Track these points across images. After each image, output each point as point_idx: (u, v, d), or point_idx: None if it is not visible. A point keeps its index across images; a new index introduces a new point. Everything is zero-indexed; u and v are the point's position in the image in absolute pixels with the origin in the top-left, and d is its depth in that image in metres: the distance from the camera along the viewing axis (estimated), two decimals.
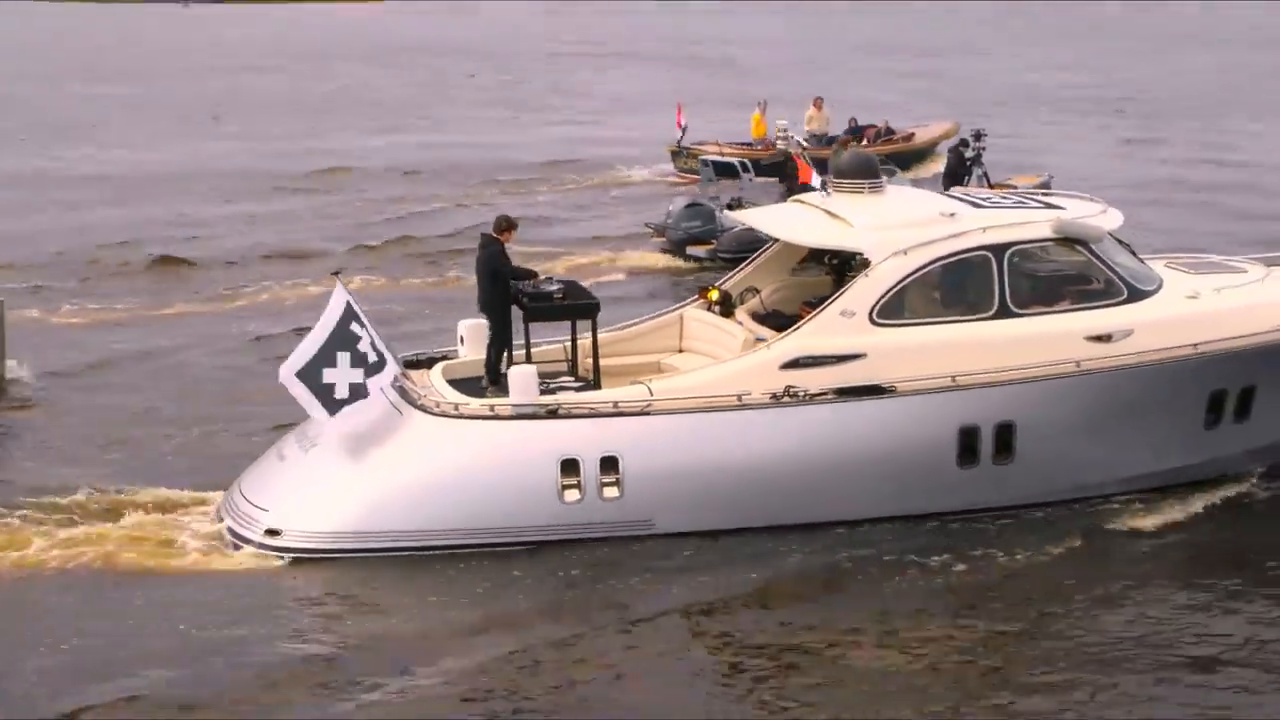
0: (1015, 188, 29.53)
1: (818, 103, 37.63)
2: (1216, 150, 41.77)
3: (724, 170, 31.30)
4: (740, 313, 15.97)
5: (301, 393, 14.20)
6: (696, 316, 16.25)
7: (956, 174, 29.13)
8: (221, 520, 14.41)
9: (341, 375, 14.10)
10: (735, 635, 12.79)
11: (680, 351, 16.15)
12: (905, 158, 37.19)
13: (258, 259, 27.57)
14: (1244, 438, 15.52)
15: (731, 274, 16.79)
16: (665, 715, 11.41)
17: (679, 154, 37.55)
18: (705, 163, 32.35)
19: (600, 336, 15.93)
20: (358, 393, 14.15)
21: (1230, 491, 15.58)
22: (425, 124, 50.76)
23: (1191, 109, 51.44)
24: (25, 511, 14.56)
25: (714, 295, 16.21)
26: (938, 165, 36.09)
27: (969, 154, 29.26)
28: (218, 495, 14.94)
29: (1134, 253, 16.16)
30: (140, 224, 31.02)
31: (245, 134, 47.65)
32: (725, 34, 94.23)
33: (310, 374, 14.09)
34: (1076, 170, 35.14)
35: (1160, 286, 15.71)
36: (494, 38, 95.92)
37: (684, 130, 37.64)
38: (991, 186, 29.66)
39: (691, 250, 26.03)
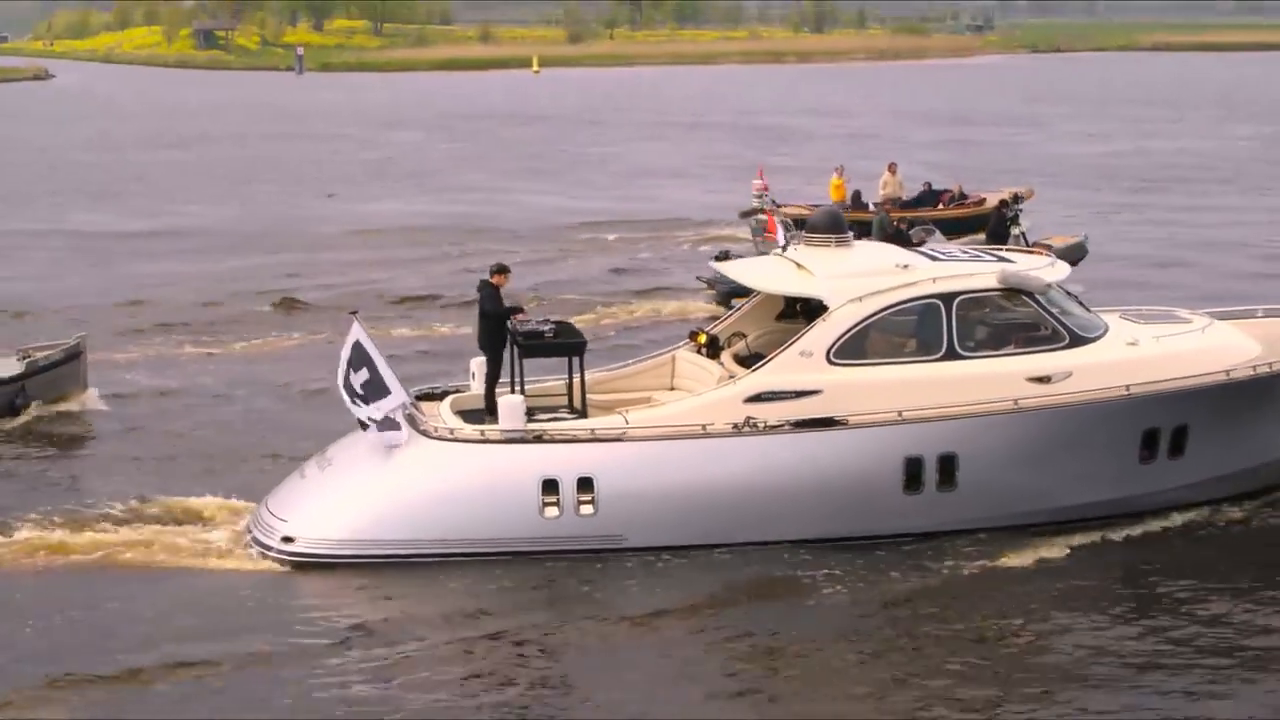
0: (1052, 247, 31.13)
1: (891, 168, 38.95)
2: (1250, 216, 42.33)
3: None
4: (725, 355, 17.60)
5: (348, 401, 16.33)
6: (686, 358, 17.94)
7: (997, 233, 30.63)
8: (249, 530, 16.39)
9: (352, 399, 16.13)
10: (700, 640, 14.30)
11: (671, 389, 17.81)
12: (977, 220, 38.46)
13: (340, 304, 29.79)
14: (1180, 473, 16.79)
15: (721, 320, 18.50)
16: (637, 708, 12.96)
17: (751, 214, 39.16)
18: (754, 219, 33.96)
19: (601, 375, 17.87)
20: (385, 422, 16.12)
21: (1166, 524, 16.85)
22: (520, 186, 52.67)
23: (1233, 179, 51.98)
24: (81, 511, 17.01)
25: (703, 339, 17.88)
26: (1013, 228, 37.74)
27: (1009, 214, 30.74)
28: (250, 505, 16.95)
29: (1081, 302, 17.58)
30: (242, 273, 33.57)
31: (362, 194, 50.34)
32: (784, 103, 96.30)
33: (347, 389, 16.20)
34: (1115, 234, 36.57)
35: (1103, 334, 17.09)
36: (594, 105, 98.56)
37: (765, 191, 39.23)
38: (1029, 245, 31.21)
39: (736, 302, 27.61)
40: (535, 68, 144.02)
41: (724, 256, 18.16)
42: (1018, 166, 51.74)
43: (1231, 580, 15.57)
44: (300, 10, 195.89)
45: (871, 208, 33.85)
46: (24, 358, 21.94)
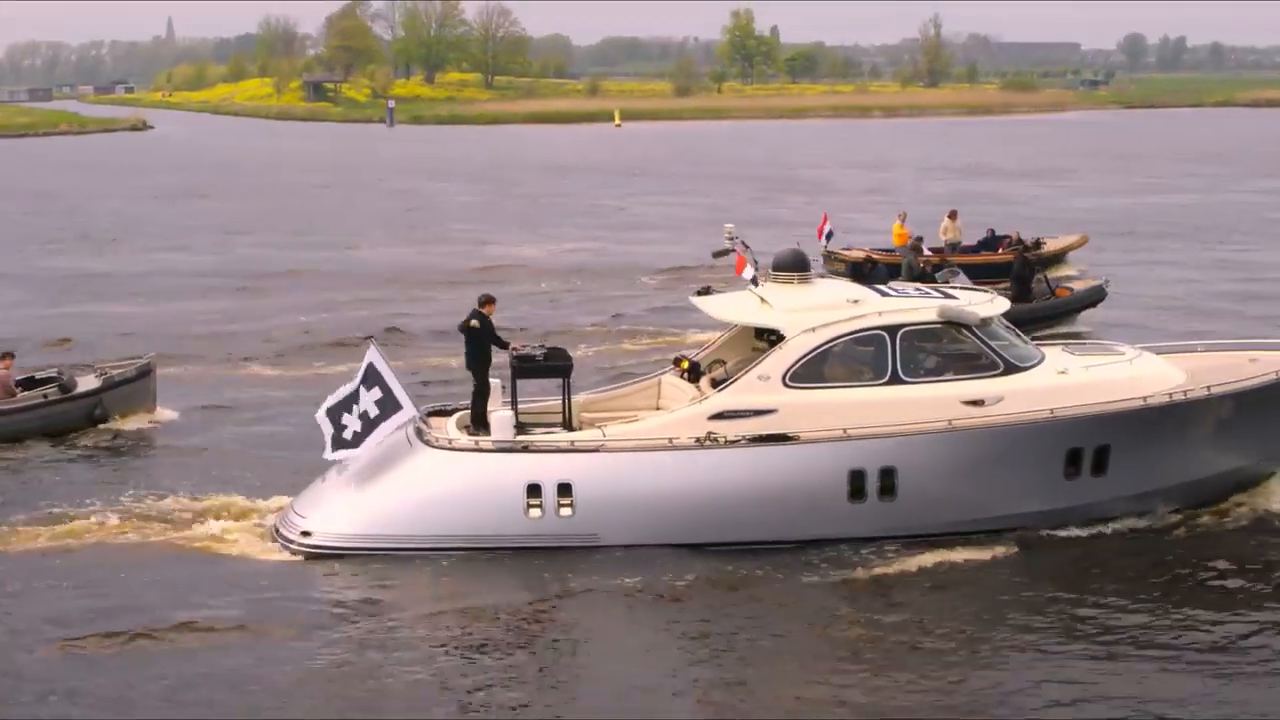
0: (1073, 290, 33.12)
1: (952, 214, 41.08)
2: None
3: (857, 272, 34.55)
4: (704, 379, 19.72)
5: (325, 428, 18.64)
6: (670, 381, 20.10)
7: (1022, 276, 32.61)
8: (277, 526, 18.83)
9: (352, 422, 18.45)
10: (661, 630, 16.24)
11: (656, 409, 19.96)
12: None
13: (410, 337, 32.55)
14: (1103, 489, 18.58)
15: (703, 348, 20.66)
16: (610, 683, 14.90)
17: (826, 258, 41.15)
18: (726, 243, 35.79)
19: (596, 395, 20.17)
20: (358, 439, 18.44)
21: (1091, 533, 18.65)
22: (501, 236, 54.81)
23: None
24: (139, 505, 19.93)
25: (685, 365, 20.04)
26: (1066, 270, 40.00)
27: (1028, 256, 32.73)
28: (283, 505, 19.41)
29: (1020, 335, 19.49)
30: (273, 310, 36.88)
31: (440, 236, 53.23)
32: (837, 156, 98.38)
33: (333, 415, 18.52)
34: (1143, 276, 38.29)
35: (1037, 363, 18.97)
36: (650, 157, 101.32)
37: (829, 236, 41.29)
38: (1052, 289, 33.23)
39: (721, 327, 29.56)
40: (617, 121, 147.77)
41: (705, 291, 20.25)
42: (1042, 216, 53.27)
43: (1151, 585, 17.23)
44: (414, 63, 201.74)
45: (928, 251, 35.95)
46: (101, 375, 24.95)
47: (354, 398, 18.55)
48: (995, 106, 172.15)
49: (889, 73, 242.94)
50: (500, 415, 18.53)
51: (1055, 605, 16.67)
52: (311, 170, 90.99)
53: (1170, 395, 18.58)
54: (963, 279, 31.62)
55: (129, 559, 18.10)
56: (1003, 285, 33.07)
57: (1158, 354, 20.15)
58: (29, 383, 24.69)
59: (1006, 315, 25.46)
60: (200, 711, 14.12)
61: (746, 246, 19.70)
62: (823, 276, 19.84)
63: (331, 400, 18.63)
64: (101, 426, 24.35)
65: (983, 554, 18.05)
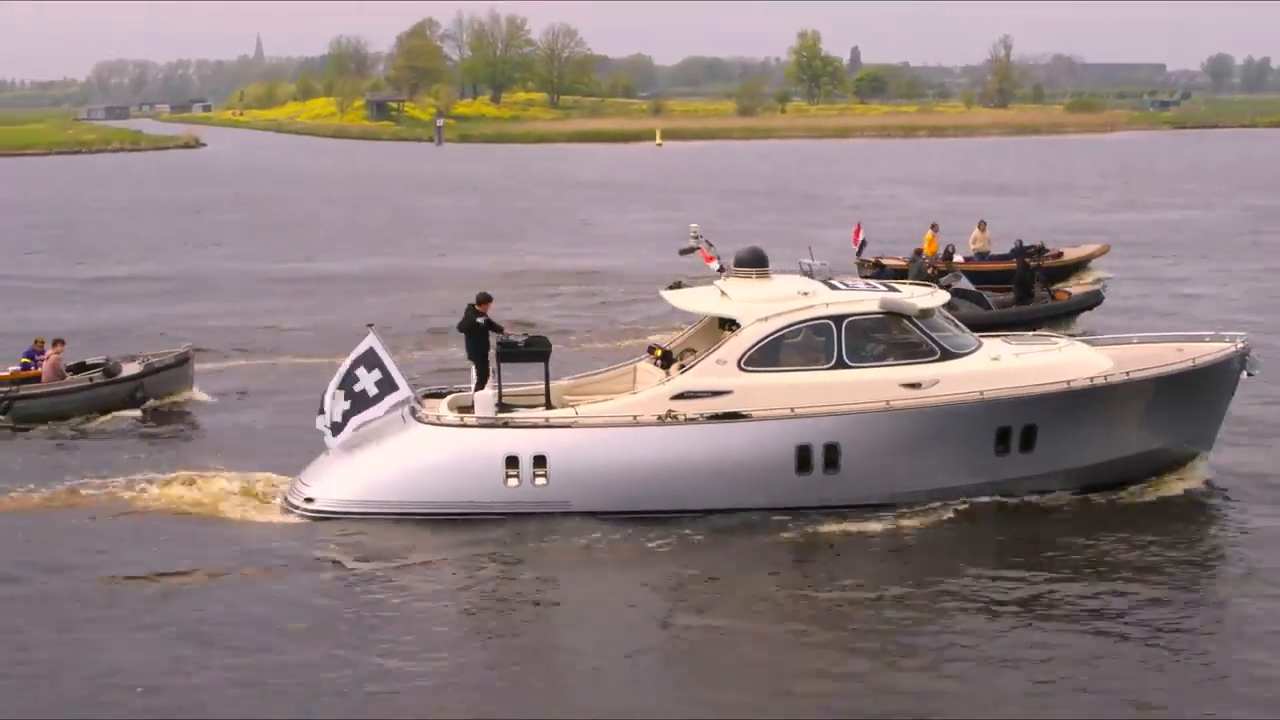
0: (1070, 294, 35.03)
1: (981, 225, 43.09)
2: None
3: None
4: (675, 366, 21.69)
5: (329, 408, 20.83)
6: (645, 368, 22.08)
7: (1024, 280, 34.57)
8: (287, 494, 20.99)
9: (337, 406, 20.60)
10: (620, 587, 18.19)
11: (633, 392, 21.95)
12: (1057, 271, 42.42)
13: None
14: (1031, 465, 20.36)
15: (675, 338, 22.64)
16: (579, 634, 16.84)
17: (860, 266, 43.07)
18: (808, 268, 37.82)
19: (580, 380, 22.21)
20: (347, 418, 20.59)
21: (1020, 505, 20.45)
22: (475, 245, 57.26)
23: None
24: (169, 474, 22.26)
25: (658, 353, 22.03)
26: (1087, 277, 42.05)
27: (1033, 264, 34.76)
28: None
29: (959, 326, 21.34)
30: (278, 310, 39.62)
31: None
32: (863, 174, 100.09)
33: (336, 397, 20.68)
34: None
35: (973, 350, 20.79)
36: (671, 173, 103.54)
37: (863, 245, 43.17)
38: (1052, 292, 35.13)
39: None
40: (658, 140, 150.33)
41: (676, 285, 22.26)
42: (1043, 227, 54.71)
43: (1074, 555, 18.85)
44: (481, 83, 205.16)
45: (959, 259, 37.99)
46: (143, 361, 27.55)
47: (351, 378, 20.67)
48: (1044, 126, 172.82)
49: (963, 93, 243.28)
50: (483, 395, 20.61)
51: (985, 571, 18.27)
52: (322, 183, 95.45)
53: (1092, 379, 20.35)
54: (964, 282, 33.82)
55: (159, 519, 20.58)
56: (1006, 289, 35.54)
57: (1098, 346, 21.90)
58: (80, 367, 27.40)
59: (1010, 316, 27.59)
60: (208, 630, 16.49)
61: (710, 245, 21.64)
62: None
63: (334, 381, 20.78)
64: (142, 407, 26.85)
65: (919, 523, 19.90)
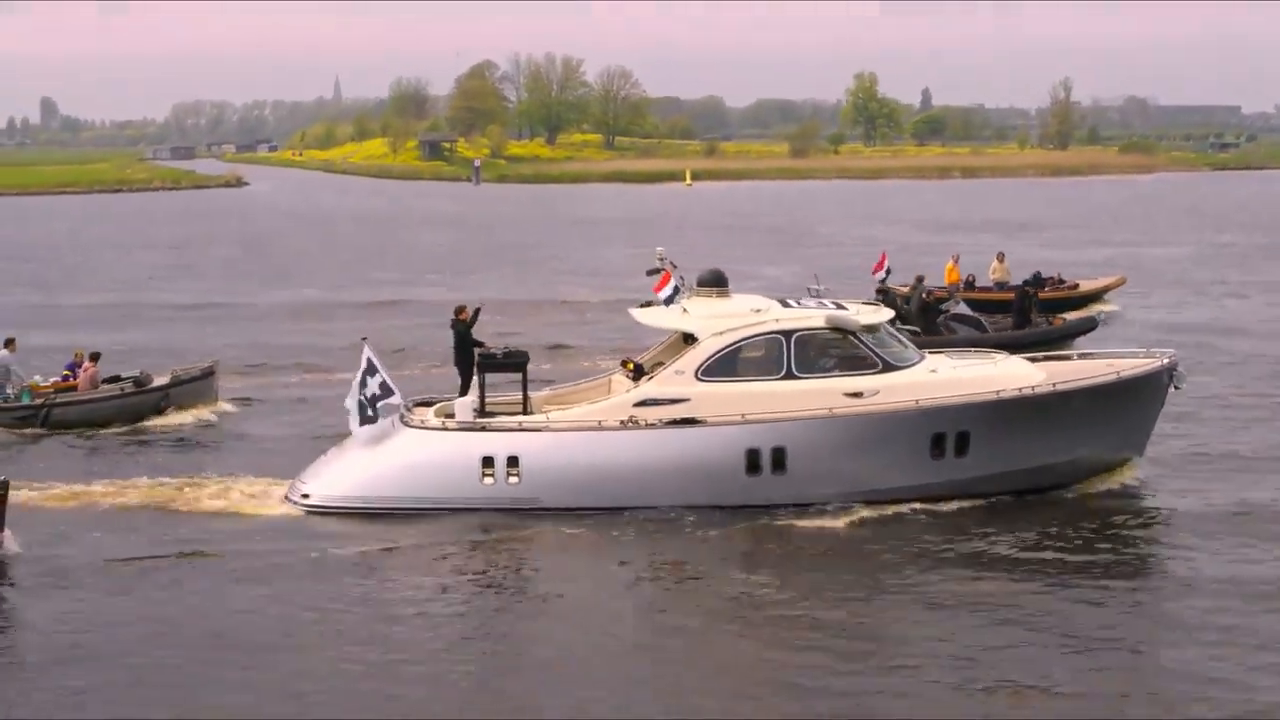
0: (1066, 320, 36.98)
1: (1000, 257, 45.37)
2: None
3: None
4: (644, 378, 23.60)
5: (353, 409, 22.86)
6: (618, 379, 23.99)
7: (1022, 307, 36.68)
8: (288, 492, 23.06)
9: (353, 405, 22.65)
10: (591, 575, 20.07)
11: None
12: (1072, 302, 44.52)
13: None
14: (966, 469, 22.12)
15: (646, 352, 24.57)
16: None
17: (884, 294, 45.04)
18: (813, 291, 39.73)
19: (559, 390, 24.17)
20: (365, 417, 22.64)
21: (958, 507, 22.15)
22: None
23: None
24: (186, 474, 24.44)
25: (630, 366, 23.94)
26: (1102, 307, 44.44)
27: (1028, 291, 37.11)
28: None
29: (903, 341, 23.15)
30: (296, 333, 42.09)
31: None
32: (878, 213, 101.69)
33: (356, 398, 22.73)
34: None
35: (914, 364, 22.59)
36: (684, 212, 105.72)
37: (887, 273, 45.09)
38: (1051, 321, 37.12)
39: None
40: (687, 181, 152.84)
41: (646, 305, 24.23)
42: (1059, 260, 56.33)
43: (1003, 553, 20.34)
44: (537, 124, 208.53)
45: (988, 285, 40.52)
46: (172, 375, 29.77)
47: (362, 384, 22.74)
48: (1084, 168, 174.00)
49: (1018, 135, 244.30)
50: (462, 401, 22.64)
51: (922, 572, 19.60)
52: (328, 221, 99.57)
53: (1020, 390, 22.11)
54: (963, 308, 36.10)
55: (170, 512, 22.82)
56: (1007, 316, 37.70)
57: (1041, 362, 23.62)
58: (115, 379, 29.77)
59: (1006, 339, 29.42)
60: (210, 602, 18.66)
61: (674, 266, 23.57)
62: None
63: (353, 393, 22.87)
64: (168, 415, 29.16)
65: (862, 524, 21.57)
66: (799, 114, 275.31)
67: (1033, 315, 37.55)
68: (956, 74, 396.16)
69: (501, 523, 21.70)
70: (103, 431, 28.44)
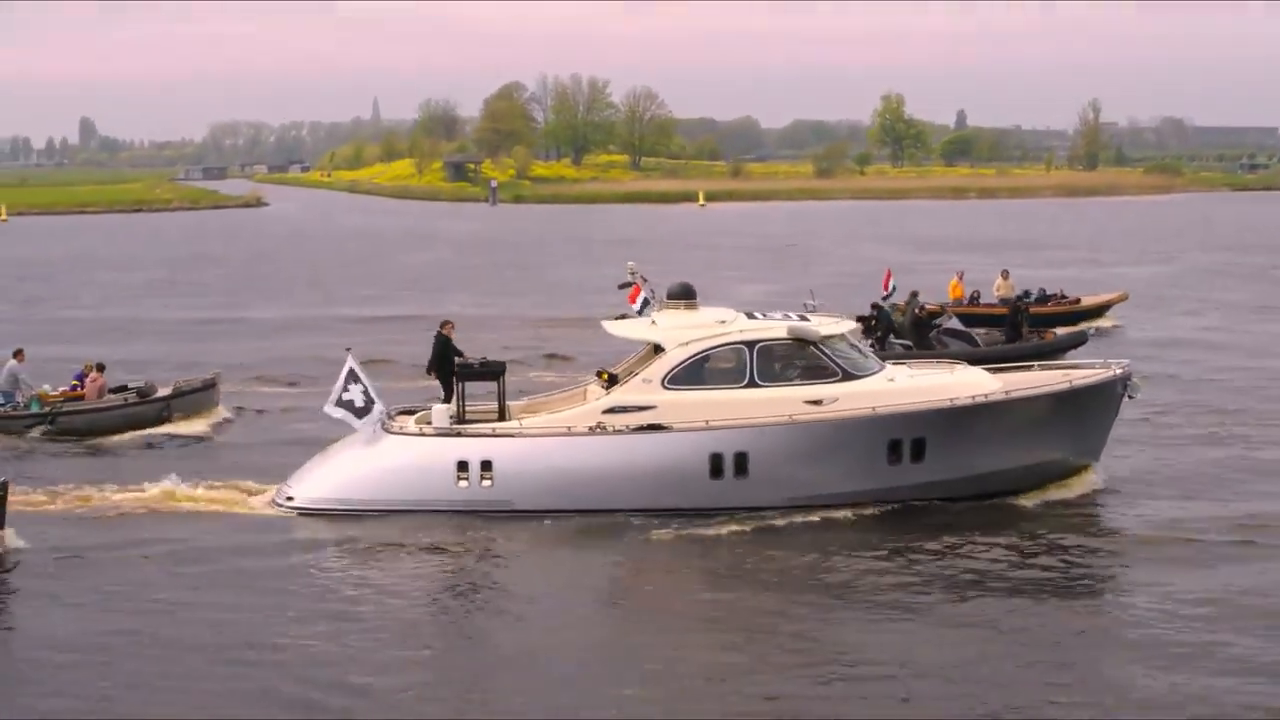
0: (1056, 334, 38.06)
1: (1004, 274, 46.50)
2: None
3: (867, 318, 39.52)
4: (616, 387, 24.59)
5: (340, 414, 23.87)
6: (592, 389, 24.94)
7: (1014, 323, 37.80)
8: (275, 495, 24.14)
9: (339, 410, 23.71)
10: (560, 573, 20.95)
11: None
12: (1073, 316, 45.64)
13: None
14: (922, 474, 23.01)
15: (621, 363, 25.56)
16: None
17: (879, 309, 45.92)
18: (809, 306, 40.65)
19: (534, 400, 25.15)
20: (363, 413, 23.68)
21: (913, 510, 23.06)
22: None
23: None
24: (185, 477, 25.34)
25: (605, 376, 24.91)
26: (1101, 322, 45.84)
27: (1021, 306, 38.40)
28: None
29: (863, 351, 24.08)
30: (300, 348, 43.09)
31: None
32: (879, 233, 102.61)
33: (340, 403, 23.74)
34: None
35: (874, 373, 23.50)
36: (694, 232, 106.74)
37: (892, 290, 46.04)
38: (1042, 336, 38.18)
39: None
40: (701, 201, 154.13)
41: (621, 317, 25.25)
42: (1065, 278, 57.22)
43: (957, 554, 21.09)
44: (563, 145, 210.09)
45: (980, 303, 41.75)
46: (175, 386, 31.05)
47: (346, 389, 23.76)
48: (1103, 188, 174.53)
49: (1046, 156, 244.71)
50: (439, 408, 23.68)
51: (880, 574, 20.34)
52: (331, 239, 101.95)
53: (973, 398, 23.01)
54: (955, 323, 37.29)
55: (162, 514, 23.94)
56: (1000, 330, 38.81)
57: (1003, 372, 24.49)
58: (121, 389, 31.09)
59: (995, 353, 30.33)
60: (185, 598, 19.66)
61: (645, 280, 24.58)
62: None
63: (332, 397, 23.90)
64: (170, 425, 30.32)
65: (821, 527, 22.45)
66: (834, 134, 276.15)
67: (1024, 330, 38.74)
68: (993, 95, 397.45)
69: (475, 524, 22.68)
70: (107, 439, 29.60)
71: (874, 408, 22.79)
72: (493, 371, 24.16)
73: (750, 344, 23.27)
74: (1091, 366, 24.96)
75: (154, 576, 20.58)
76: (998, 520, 22.88)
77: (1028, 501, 23.72)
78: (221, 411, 31.55)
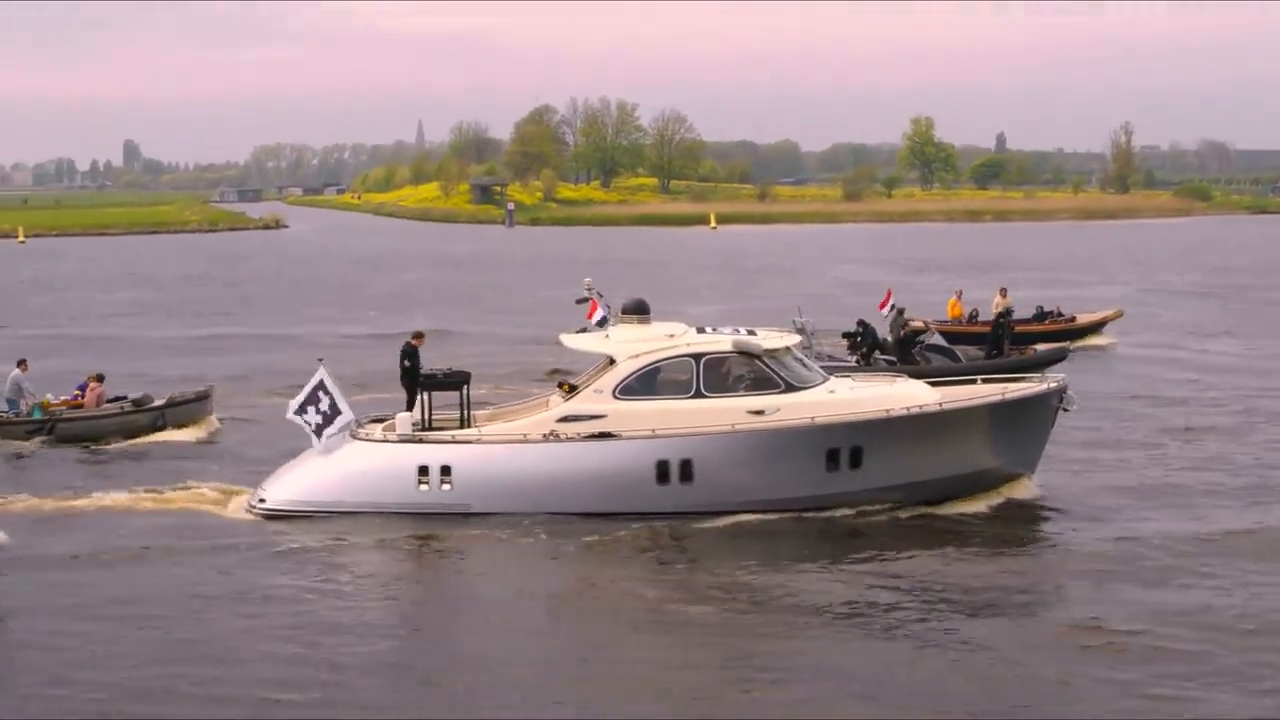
0: (1036, 350, 39.38)
1: (1003, 291, 47.84)
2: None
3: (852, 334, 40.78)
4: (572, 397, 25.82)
5: (300, 422, 25.27)
6: (555, 400, 26.21)
7: (996, 340, 39.23)
8: (249, 498, 25.52)
9: (310, 419, 25.08)
10: (515, 572, 22.07)
11: None
12: (1070, 334, 47.04)
13: None
14: (860, 481, 24.13)
15: (583, 374, 26.83)
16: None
17: (865, 326, 47.13)
18: (796, 322, 41.71)
19: (498, 409, 26.45)
20: (321, 430, 25.07)
21: (850, 516, 24.21)
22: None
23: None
24: (171, 481, 27.03)
25: (566, 387, 26.17)
26: (1098, 339, 47.92)
27: (1003, 323, 39.72)
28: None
29: (806, 364, 25.28)
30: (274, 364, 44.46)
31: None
32: (874, 254, 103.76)
33: (302, 413, 25.16)
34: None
35: (816, 385, 24.66)
36: (697, 255, 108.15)
37: (891, 309, 47.21)
38: (1023, 352, 39.49)
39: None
40: (713, 224, 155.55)
41: (582, 330, 26.53)
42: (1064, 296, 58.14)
43: (892, 559, 22.05)
44: (593, 168, 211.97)
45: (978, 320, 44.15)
46: (169, 397, 32.76)
47: (314, 399, 25.16)
48: (1119, 211, 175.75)
49: (1074, 179, 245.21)
50: (403, 416, 25.01)
51: (816, 579, 21.17)
52: (331, 260, 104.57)
53: (908, 409, 24.18)
54: (937, 339, 38.61)
55: (147, 515, 25.40)
56: (982, 347, 40.16)
57: (946, 385, 25.63)
58: (120, 399, 32.73)
59: (977, 368, 31.40)
60: (161, 591, 20.96)
61: (600, 295, 25.86)
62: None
63: (295, 403, 25.30)
64: (164, 432, 31.92)
65: (763, 532, 23.55)
66: (873, 158, 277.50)
67: (1005, 346, 40.12)
68: (1037, 117, 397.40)
69: (434, 526, 23.94)
70: (102, 445, 31.14)
71: (813, 418, 23.94)
72: (455, 381, 25.45)
73: (697, 357, 24.48)
74: (1032, 382, 26.05)
75: (117, 574, 21.82)
76: (932, 524, 23.98)
77: (968, 509, 24.71)
78: (214, 421, 32.95)
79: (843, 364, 36.11)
